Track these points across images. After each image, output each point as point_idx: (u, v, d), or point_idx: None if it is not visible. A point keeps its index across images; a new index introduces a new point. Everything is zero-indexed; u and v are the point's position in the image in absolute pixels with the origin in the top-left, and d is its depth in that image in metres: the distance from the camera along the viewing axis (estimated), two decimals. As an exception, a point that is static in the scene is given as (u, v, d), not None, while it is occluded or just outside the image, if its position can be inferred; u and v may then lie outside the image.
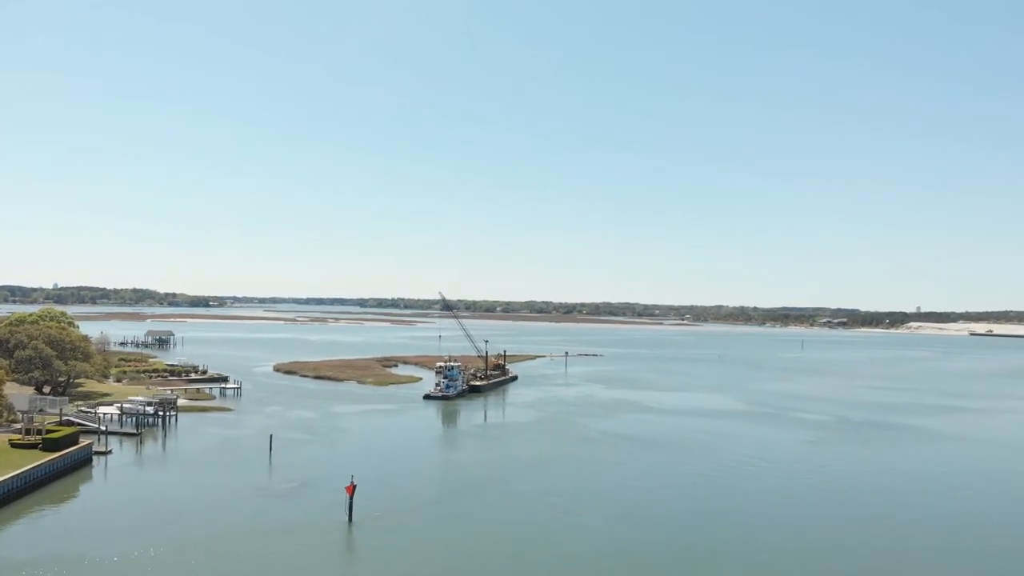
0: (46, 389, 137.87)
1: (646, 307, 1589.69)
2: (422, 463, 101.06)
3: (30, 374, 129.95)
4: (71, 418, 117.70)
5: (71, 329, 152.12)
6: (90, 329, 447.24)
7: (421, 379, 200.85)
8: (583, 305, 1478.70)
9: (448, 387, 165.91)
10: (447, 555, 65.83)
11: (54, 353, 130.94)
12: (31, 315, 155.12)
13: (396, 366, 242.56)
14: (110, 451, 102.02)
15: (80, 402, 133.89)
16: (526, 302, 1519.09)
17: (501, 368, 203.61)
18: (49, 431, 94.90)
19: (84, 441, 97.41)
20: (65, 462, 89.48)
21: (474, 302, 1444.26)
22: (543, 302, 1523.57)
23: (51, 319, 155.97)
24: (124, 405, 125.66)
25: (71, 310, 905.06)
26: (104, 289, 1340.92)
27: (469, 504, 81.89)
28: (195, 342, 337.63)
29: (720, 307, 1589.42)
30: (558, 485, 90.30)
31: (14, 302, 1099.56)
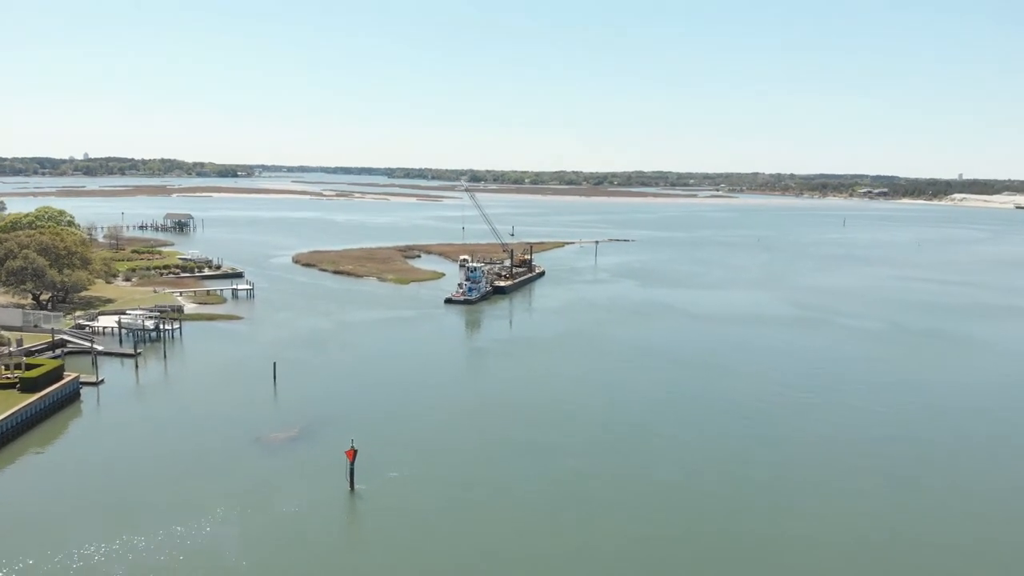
0: (46, 296, 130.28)
1: (680, 176, 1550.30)
2: (438, 396, 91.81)
3: (22, 286, 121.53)
4: (65, 336, 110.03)
5: (68, 231, 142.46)
6: (114, 207, 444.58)
7: (444, 275, 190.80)
8: (614, 176, 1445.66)
9: (471, 290, 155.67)
10: (461, 536, 57.07)
11: (47, 262, 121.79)
12: (27, 216, 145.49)
13: (419, 256, 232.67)
14: (102, 381, 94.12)
15: (80, 312, 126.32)
16: (555, 172, 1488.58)
17: (527, 264, 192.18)
18: (29, 365, 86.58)
19: (70, 374, 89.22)
20: (45, 404, 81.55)
21: (502, 173, 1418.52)
22: (573, 172, 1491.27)
23: (48, 219, 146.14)
24: (123, 319, 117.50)
25: (99, 182, 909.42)
26: (133, 160, 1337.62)
27: (490, 459, 72.79)
28: (215, 224, 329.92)
29: (756, 175, 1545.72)
30: (592, 428, 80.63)
31: (43, 174, 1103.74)
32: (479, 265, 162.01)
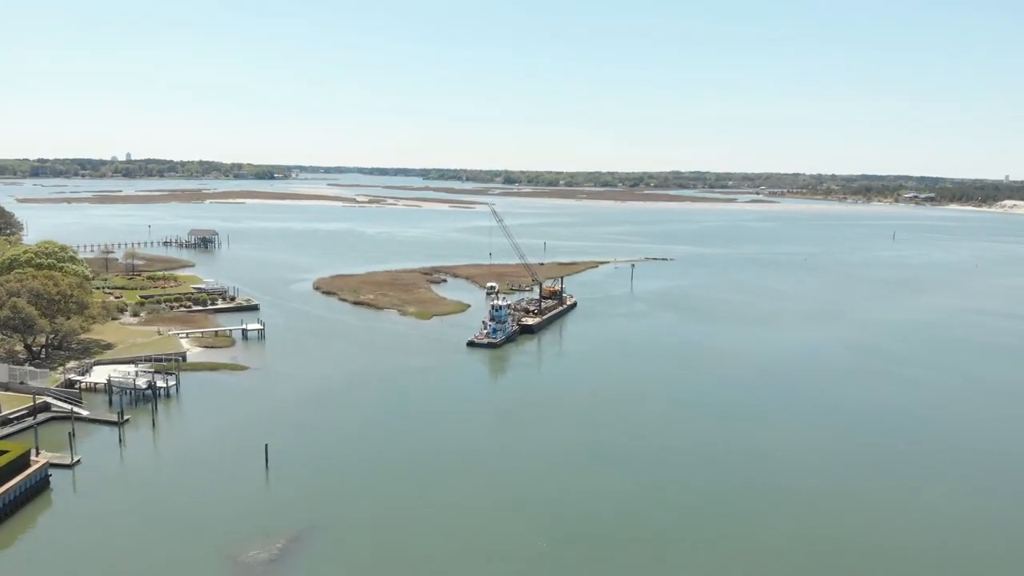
0: (41, 340, 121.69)
1: (718, 177, 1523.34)
2: (451, 486, 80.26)
3: (10, 338, 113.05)
4: (48, 398, 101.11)
5: (68, 269, 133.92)
6: (145, 216, 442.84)
7: (468, 307, 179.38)
8: (651, 177, 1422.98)
9: (495, 331, 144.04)
10: None
11: (37, 312, 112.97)
12: (26, 252, 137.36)
13: (444, 281, 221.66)
14: (77, 461, 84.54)
15: (73, 363, 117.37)
16: (591, 174, 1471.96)
17: (557, 295, 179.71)
18: (-10, 452, 77.06)
19: (39, 460, 79.56)
20: (6, 500, 71.97)
21: (537, 174, 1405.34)
22: (608, 173, 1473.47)
23: (48, 255, 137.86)
24: (112, 376, 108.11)
25: (138, 185, 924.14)
26: (171, 162, 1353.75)
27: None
28: (242, 239, 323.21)
29: (797, 175, 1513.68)
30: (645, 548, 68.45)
31: (84, 176, 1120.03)
32: (504, 304, 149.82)
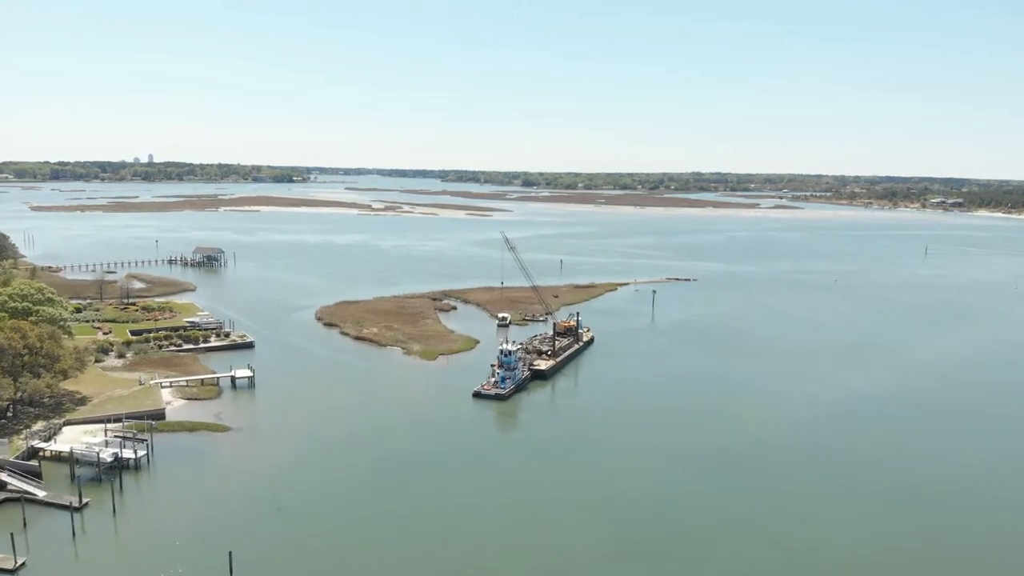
0: (7, 395, 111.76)
1: (740, 179, 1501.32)
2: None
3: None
4: (4, 475, 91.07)
5: (40, 314, 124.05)
6: (156, 226, 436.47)
7: (477, 343, 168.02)
8: (671, 179, 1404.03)
9: (504, 379, 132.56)
10: None
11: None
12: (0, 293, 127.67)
13: (454, 308, 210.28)
14: (22, 565, 74.17)
15: (41, 424, 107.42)
16: (610, 175, 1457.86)
17: (572, 331, 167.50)
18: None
19: (-33, 570, 69.28)
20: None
21: (555, 176, 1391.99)
22: (628, 175, 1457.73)
23: (22, 299, 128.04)
24: (76, 448, 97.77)
25: (156, 189, 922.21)
26: (191, 165, 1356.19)
27: None
28: (250, 255, 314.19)
29: (819, 176, 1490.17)
30: None
31: (103, 179, 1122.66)
32: (513, 348, 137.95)
